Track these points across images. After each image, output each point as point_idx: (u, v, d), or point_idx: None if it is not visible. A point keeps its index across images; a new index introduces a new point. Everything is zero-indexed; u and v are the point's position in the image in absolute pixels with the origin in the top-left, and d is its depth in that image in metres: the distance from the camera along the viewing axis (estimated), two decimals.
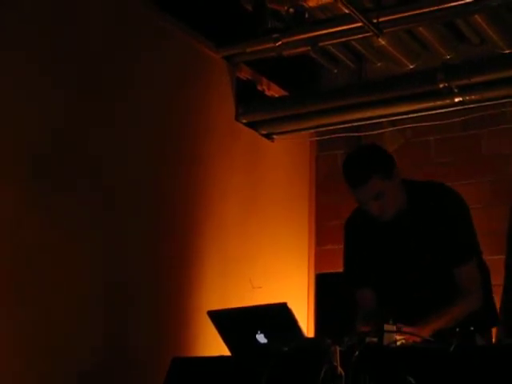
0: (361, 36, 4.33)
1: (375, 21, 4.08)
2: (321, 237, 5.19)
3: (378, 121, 4.64)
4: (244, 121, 4.74)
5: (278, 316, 2.56)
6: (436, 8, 4.02)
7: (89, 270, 3.58)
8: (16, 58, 3.38)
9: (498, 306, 3.04)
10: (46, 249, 3.40)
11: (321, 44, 4.47)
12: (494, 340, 3.02)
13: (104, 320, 3.63)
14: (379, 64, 5.09)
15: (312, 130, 5.03)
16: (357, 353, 2.26)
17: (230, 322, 2.73)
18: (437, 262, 2.96)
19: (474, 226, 3.03)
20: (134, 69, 3.98)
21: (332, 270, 4.99)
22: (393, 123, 4.65)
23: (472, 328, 2.57)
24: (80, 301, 3.52)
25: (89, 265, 3.59)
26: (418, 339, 2.53)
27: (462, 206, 3.03)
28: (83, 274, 3.55)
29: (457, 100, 4.28)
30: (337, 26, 4.31)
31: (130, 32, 3.97)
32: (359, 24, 4.09)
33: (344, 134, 4.94)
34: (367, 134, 4.85)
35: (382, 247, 3.06)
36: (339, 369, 2.24)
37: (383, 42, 4.59)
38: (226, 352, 2.75)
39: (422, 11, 4.07)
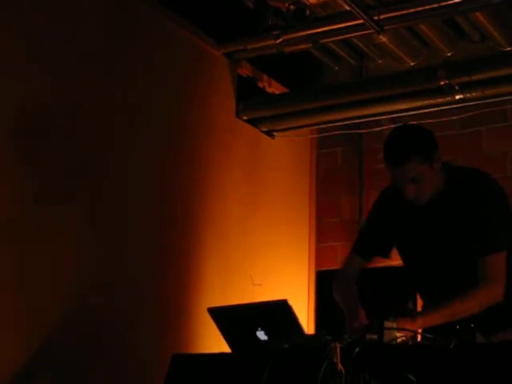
0: (362, 33, 4.33)
1: (376, 18, 4.08)
2: (321, 234, 5.19)
3: (378, 118, 4.64)
4: (245, 118, 4.74)
5: (278, 313, 2.55)
6: (437, 5, 4.02)
7: (89, 269, 3.59)
8: (16, 58, 3.38)
9: None
10: (46, 249, 3.41)
11: (322, 41, 4.48)
12: None
13: (104, 318, 3.63)
14: (380, 61, 5.09)
15: (313, 127, 5.03)
16: (357, 350, 2.26)
17: (231, 318, 2.73)
18: (467, 250, 2.84)
19: (509, 221, 2.85)
20: (135, 66, 3.98)
21: (332, 267, 5.00)
22: (393, 120, 4.64)
23: (472, 325, 2.55)
24: (80, 300, 3.52)
25: (89, 264, 3.59)
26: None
27: (499, 197, 2.87)
28: (83, 273, 3.55)
29: (457, 97, 4.28)
30: (338, 23, 4.31)
31: (130, 30, 3.97)
32: (360, 21, 4.09)
33: (345, 132, 4.94)
34: (368, 131, 4.85)
35: (411, 227, 2.97)
36: (339, 365, 2.24)
37: (384, 39, 4.59)
38: (227, 349, 2.74)
39: (422, 8, 4.07)
